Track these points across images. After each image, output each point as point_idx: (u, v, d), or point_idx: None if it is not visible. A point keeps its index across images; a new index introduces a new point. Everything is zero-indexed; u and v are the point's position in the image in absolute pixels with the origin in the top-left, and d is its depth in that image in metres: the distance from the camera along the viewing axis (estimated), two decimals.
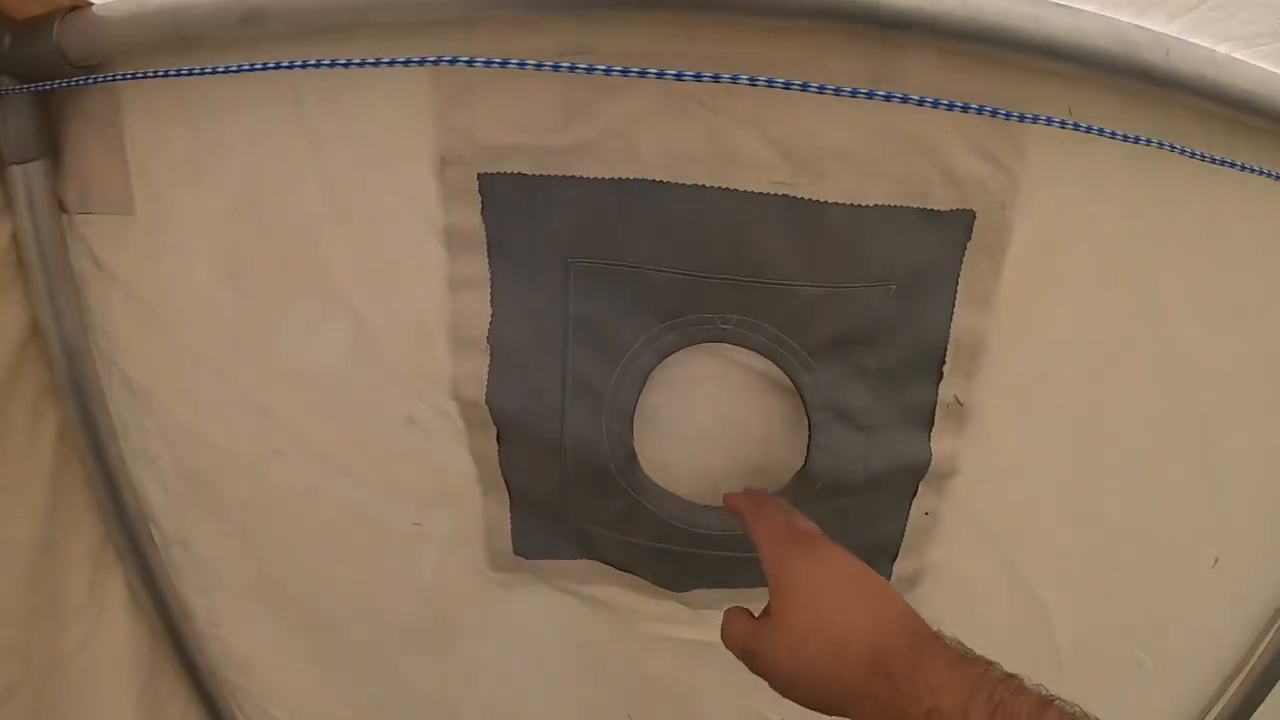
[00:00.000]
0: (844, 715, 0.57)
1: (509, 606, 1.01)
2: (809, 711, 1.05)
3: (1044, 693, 0.48)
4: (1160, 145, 0.70)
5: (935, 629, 0.57)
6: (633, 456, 0.85)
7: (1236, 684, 1.10)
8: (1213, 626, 1.06)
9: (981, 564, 0.95)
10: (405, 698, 1.09)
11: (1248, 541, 0.98)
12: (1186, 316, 0.83)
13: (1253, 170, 0.74)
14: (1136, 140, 0.70)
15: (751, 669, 0.64)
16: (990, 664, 0.51)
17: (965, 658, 0.52)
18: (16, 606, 0.87)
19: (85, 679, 0.96)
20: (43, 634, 0.91)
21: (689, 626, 1.00)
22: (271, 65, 0.69)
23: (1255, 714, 1.11)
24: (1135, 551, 0.95)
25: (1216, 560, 0.98)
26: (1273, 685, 1.09)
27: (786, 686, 0.61)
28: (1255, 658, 1.09)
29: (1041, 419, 0.87)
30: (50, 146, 0.80)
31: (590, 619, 1.01)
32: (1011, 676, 0.50)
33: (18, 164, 0.78)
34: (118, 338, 0.89)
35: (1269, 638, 1.07)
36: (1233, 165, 0.73)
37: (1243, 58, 0.69)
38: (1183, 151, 0.71)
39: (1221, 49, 0.68)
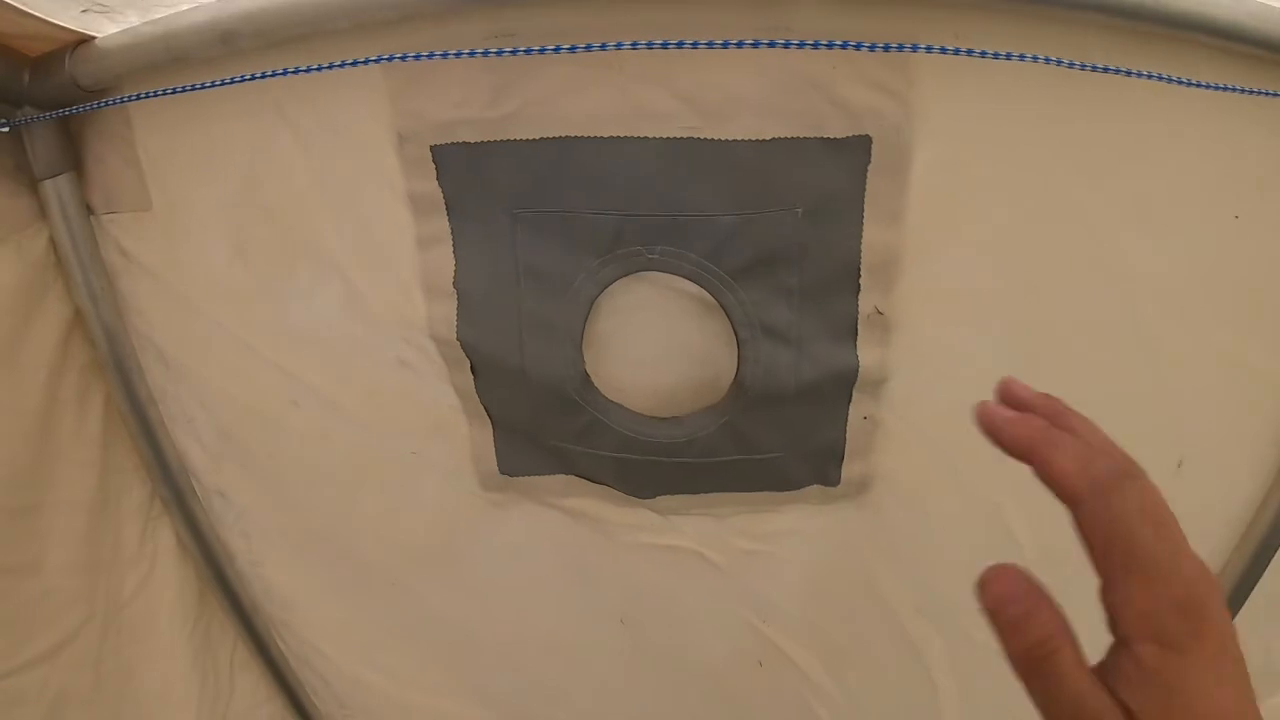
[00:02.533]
0: None
1: (504, 525, 1.07)
2: (798, 615, 1.10)
3: None
4: (1037, 60, 0.69)
5: None
6: (586, 378, 0.91)
7: None
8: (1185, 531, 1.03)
9: (929, 469, 0.97)
10: (425, 617, 1.16)
11: (1212, 444, 0.96)
12: (1119, 226, 0.83)
13: (1158, 78, 0.72)
14: (1014, 57, 0.69)
15: None
16: None
17: None
18: (79, 558, 0.94)
19: (143, 620, 1.04)
20: (103, 582, 0.98)
21: (662, 533, 1.06)
22: (250, 76, 0.77)
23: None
24: None
25: (1180, 463, 0.95)
26: (1249, 593, 1.04)
27: None
28: (1226, 564, 1.05)
29: (970, 326, 0.89)
30: (74, 160, 0.87)
31: (575, 531, 1.06)
32: None
33: (48, 178, 0.85)
34: (149, 317, 0.96)
35: (1239, 545, 1.03)
36: (1129, 74, 0.71)
37: None
38: (1070, 65, 0.70)
39: None
